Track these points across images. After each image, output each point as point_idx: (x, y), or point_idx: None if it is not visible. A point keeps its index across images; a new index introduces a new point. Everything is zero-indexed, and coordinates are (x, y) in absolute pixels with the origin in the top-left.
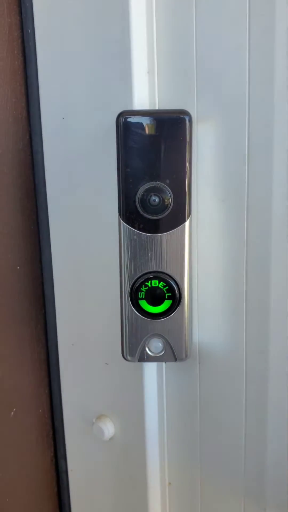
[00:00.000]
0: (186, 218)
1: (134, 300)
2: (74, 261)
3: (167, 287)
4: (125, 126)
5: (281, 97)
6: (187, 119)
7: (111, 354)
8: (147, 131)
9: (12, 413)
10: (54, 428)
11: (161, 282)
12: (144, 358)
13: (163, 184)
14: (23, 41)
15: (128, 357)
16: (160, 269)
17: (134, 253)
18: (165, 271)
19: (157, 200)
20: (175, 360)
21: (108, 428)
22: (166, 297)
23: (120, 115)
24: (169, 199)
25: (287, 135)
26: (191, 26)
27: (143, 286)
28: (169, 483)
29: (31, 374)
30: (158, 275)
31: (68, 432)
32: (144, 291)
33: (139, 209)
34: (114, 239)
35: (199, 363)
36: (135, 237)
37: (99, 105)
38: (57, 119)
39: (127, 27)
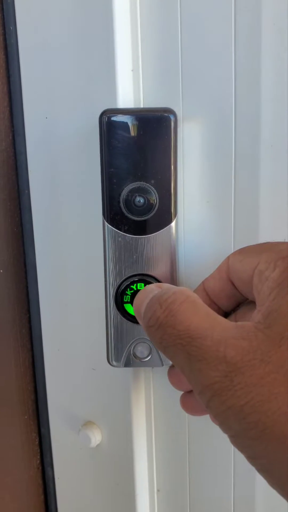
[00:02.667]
0: (172, 219)
1: (120, 304)
2: (59, 264)
3: None
4: (108, 125)
5: (268, 96)
6: (172, 117)
7: (98, 359)
8: (130, 130)
9: None
10: (40, 435)
11: (147, 285)
12: (130, 363)
13: (148, 184)
14: (5, 39)
15: (114, 363)
16: (145, 272)
17: (119, 256)
18: (151, 273)
19: (142, 201)
20: (162, 365)
21: (95, 435)
22: None
23: (103, 113)
24: (154, 199)
25: (274, 134)
26: (176, 23)
27: (128, 289)
28: (158, 490)
29: (16, 379)
30: (144, 278)
31: (55, 439)
32: (130, 294)
33: (124, 210)
34: (99, 241)
35: None
36: (119, 239)
37: (83, 103)
38: (41, 119)
39: (111, 25)
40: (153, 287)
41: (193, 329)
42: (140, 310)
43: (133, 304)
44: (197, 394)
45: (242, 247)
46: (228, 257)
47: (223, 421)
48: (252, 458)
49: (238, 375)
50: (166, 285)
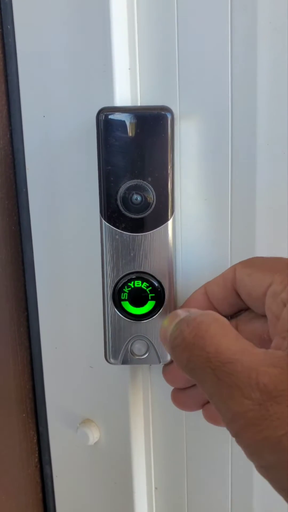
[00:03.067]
0: (169, 217)
1: (117, 301)
2: (56, 262)
3: (150, 287)
4: (105, 123)
5: (264, 94)
6: (169, 115)
7: (96, 357)
8: (128, 128)
9: None
10: (39, 433)
11: (144, 283)
12: (127, 360)
13: (145, 182)
14: (2, 38)
15: (111, 360)
16: (143, 269)
17: (116, 253)
18: (148, 271)
19: (139, 198)
20: (159, 362)
21: (93, 433)
22: (150, 298)
23: (100, 111)
24: (151, 197)
25: (270, 132)
26: (173, 21)
27: (125, 287)
28: (156, 488)
29: (14, 378)
30: (141, 276)
31: (53, 437)
32: (127, 292)
33: (121, 208)
34: (97, 239)
35: None
36: (117, 236)
37: (80, 102)
38: (38, 117)
39: (108, 23)
40: (181, 311)
41: (223, 352)
42: (166, 333)
43: (160, 328)
44: (227, 421)
45: (238, 243)
46: (235, 268)
47: (256, 451)
48: (285, 490)
49: (274, 405)
50: (194, 309)
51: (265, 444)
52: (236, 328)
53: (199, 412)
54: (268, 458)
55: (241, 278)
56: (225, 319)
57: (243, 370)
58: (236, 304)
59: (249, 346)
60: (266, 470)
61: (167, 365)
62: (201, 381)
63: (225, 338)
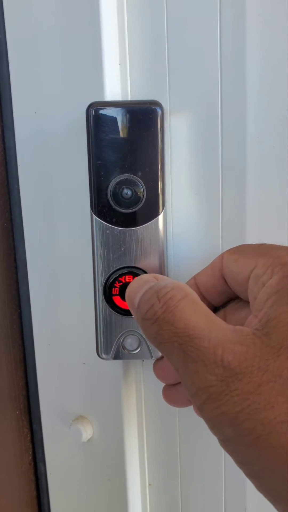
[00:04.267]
0: (160, 212)
1: (108, 296)
2: (49, 259)
3: None
4: (95, 118)
5: (254, 89)
6: (159, 110)
7: (88, 353)
8: (117, 123)
9: None
10: (32, 431)
11: (135, 278)
12: (119, 356)
13: (135, 176)
14: None
15: (103, 355)
16: (134, 264)
17: (107, 248)
18: (139, 266)
19: (129, 193)
20: (151, 357)
21: (86, 430)
22: None
23: (90, 106)
24: (141, 192)
25: (260, 127)
26: (162, 16)
27: (117, 281)
28: (150, 484)
29: (7, 375)
30: (132, 270)
31: (47, 435)
32: (118, 287)
33: (111, 203)
34: (88, 235)
35: None
36: (107, 231)
37: (71, 98)
38: (30, 114)
39: (98, 19)
40: (149, 277)
41: (191, 328)
42: (134, 300)
43: (126, 292)
44: (191, 394)
45: (229, 237)
46: (222, 255)
47: (216, 425)
48: (243, 463)
49: (235, 381)
50: (162, 277)
51: (223, 419)
52: (224, 318)
53: (192, 408)
54: (227, 432)
55: (228, 264)
56: (195, 293)
57: (210, 346)
58: (225, 292)
59: (219, 323)
60: (225, 443)
61: (157, 361)
62: (168, 355)
63: (195, 313)
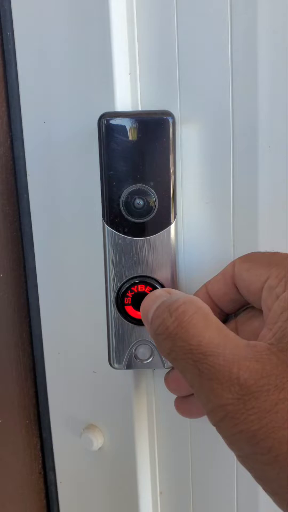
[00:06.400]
0: (172, 221)
1: (120, 306)
2: (58, 268)
3: None
4: (107, 128)
5: (265, 97)
6: (170, 120)
7: (99, 362)
8: (129, 133)
9: None
10: (42, 439)
11: (148, 287)
12: (131, 365)
13: (147, 186)
14: (2, 44)
15: (115, 365)
16: (146, 274)
17: (119, 258)
18: (151, 275)
19: (141, 202)
20: (164, 366)
21: (97, 438)
22: None
23: (102, 117)
24: (153, 201)
25: (271, 135)
26: (173, 26)
27: (129, 291)
28: (161, 492)
29: (17, 384)
30: (144, 280)
31: (57, 443)
32: (130, 296)
33: (124, 213)
34: (99, 244)
35: None
36: (119, 241)
37: (81, 107)
38: (39, 123)
39: (108, 29)
40: (162, 292)
41: (204, 345)
42: (148, 315)
43: (141, 308)
44: (207, 411)
45: (241, 246)
46: (234, 263)
47: (233, 442)
48: (261, 479)
49: (252, 400)
50: (175, 291)
51: (241, 437)
52: (236, 328)
53: (204, 417)
54: (244, 449)
55: (240, 272)
56: (207, 307)
57: (225, 364)
58: (237, 300)
59: (232, 338)
60: (243, 459)
61: (169, 373)
62: (183, 371)
63: (208, 329)
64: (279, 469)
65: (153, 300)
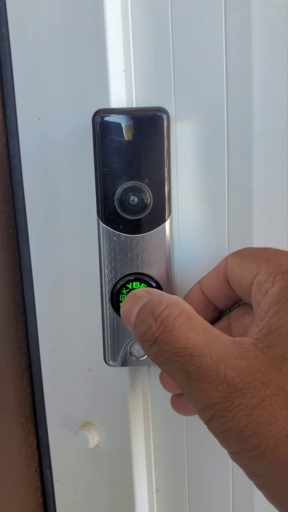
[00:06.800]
0: (166, 218)
1: (115, 303)
2: (54, 265)
3: None
4: (101, 125)
5: (259, 94)
6: (164, 116)
7: (94, 359)
8: (124, 130)
9: None
10: (38, 437)
11: (143, 284)
12: (127, 362)
13: (142, 183)
14: None
15: (111, 362)
16: (141, 271)
17: (114, 255)
18: (146, 272)
19: (136, 199)
20: None
21: (93, 436)
22: None
23: (96, 113)
24: (148, 198)
25: (266, 132)
26: (167, 23)
27: (124, 288)
28: (157, 490)
29: (13, 382)
30: (139, 277)
31: (53, 441)
32: (125, 293)
33: (118, 210)
34: (94, 241)
35: None
36: (114, 238)
37: (76, 104)
38: (34, 121)
39: (102, 25)
40: (141, 292)
41: (191, 346)
42: (130, 318)
43: (121, 310)
44: (198, 412)
45: (235, 243)
46: (226, 259)
47: (224, 440)
48: (252, 475)
49: (239, 397)
50: (155, 291)
51: (230, 434)
52: (229, 324)
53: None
54: (234, 446)
55: (232, 268)
56: (190, 308)
57: (211, 363)
58: (230, 296)
59: (218, 336)
60: (234, 456)
61: (163, 372)
62: (171, 374)
63: (193, 330)
64: (267, 464)
65: (134, 302)
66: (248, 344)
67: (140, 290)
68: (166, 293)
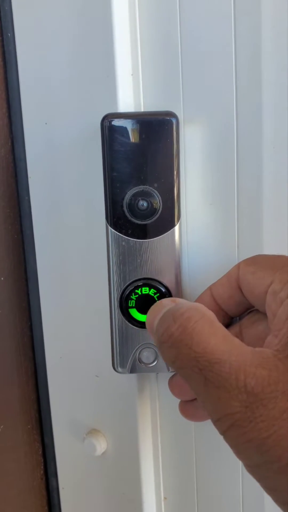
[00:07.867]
0: (176, 223)
1: (124, 308)
2: (60, 271)
3: (158, 294)
4: (110, 129)
5: (269, 98)
6: (174, 120)
7: (101, 366)
8: (132, 134)
9: None
10: (44, 445)
11: (152, 289)
12: (135, 369)
13: (151, 188)
14: (3, 45)
15: (119, 369)
16: (150, 276)
17: (123, 260)
18: (155, 277)
19: (145, 204)
20: (168, 370)
21: (100, 443)
22: None
23: (105, 118)
24: (157, 203)
25: (275, 136)
26: (176, 27)
27: (133, 294)
28: (165, 498)
29: (19, 388)
30: (148, 282)
31: (59, 448)
32: (134, 299)
33: (127, 214)
34: (102, 246)
35: None
36: (123, 243)
37: (83, 109)
38: (40, 125)
39: (110, 29)
40: (167, 301)
41: (210, 352)
42: (153, 325)
43: (147, 318)
44: (214, 421)
45: (245, 248)
46: (239, 266)
47: (242, 451)
48: (271, 490)
49: (260, 407)
50: (180, 300)
51: (250, 446)
52: (240, 331)
53: (208, 421)
54: (254, 459)
55: (244, 275)
56: (212, 314)
57: (231, 371)
58: (242, 303)
59: (238, 345)
60: (252, 469)
61: (172, 378)
62: (188, 380)
63: (213, 336)
64: None
65: (159, 310)
66: (268, 354)
67: (166, 299)
68: (190, 302)
